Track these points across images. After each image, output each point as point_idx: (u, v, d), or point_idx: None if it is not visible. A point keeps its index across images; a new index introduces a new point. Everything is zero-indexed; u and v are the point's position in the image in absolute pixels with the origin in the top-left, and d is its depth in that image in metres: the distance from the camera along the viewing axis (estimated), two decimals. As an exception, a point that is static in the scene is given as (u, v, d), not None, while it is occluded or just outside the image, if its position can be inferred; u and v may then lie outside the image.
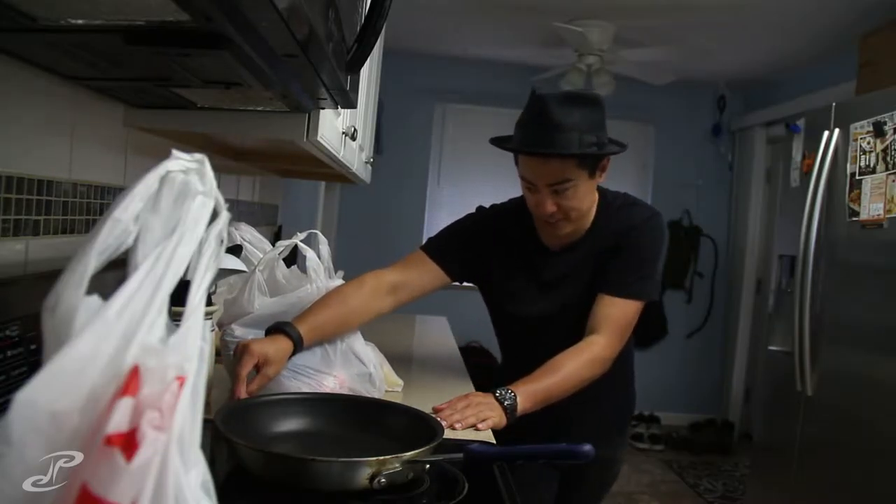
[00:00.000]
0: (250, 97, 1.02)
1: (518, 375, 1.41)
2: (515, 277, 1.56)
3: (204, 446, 0.45)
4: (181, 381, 0.42)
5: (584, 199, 1.43)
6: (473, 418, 1.26)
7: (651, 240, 1.47)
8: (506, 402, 1.29)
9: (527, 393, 1.32)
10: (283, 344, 1.23)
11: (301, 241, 1.34)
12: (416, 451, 0.91)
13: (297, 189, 3.15)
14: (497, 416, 1.28)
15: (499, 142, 1.47)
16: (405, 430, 1.04)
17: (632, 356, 1.65)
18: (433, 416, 1.11)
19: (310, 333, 1.27)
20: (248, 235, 1.70)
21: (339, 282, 1.38)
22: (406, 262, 1.57)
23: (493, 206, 1.66)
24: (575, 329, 1.46)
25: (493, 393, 1.32)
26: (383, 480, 0.87)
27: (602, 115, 1.41)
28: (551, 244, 1.52)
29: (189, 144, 1.41)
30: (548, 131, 1.35)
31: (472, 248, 1.58)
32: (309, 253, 1.32)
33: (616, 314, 1.43)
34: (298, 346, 1.24)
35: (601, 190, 1.51)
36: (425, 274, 1.56)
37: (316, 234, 1.38)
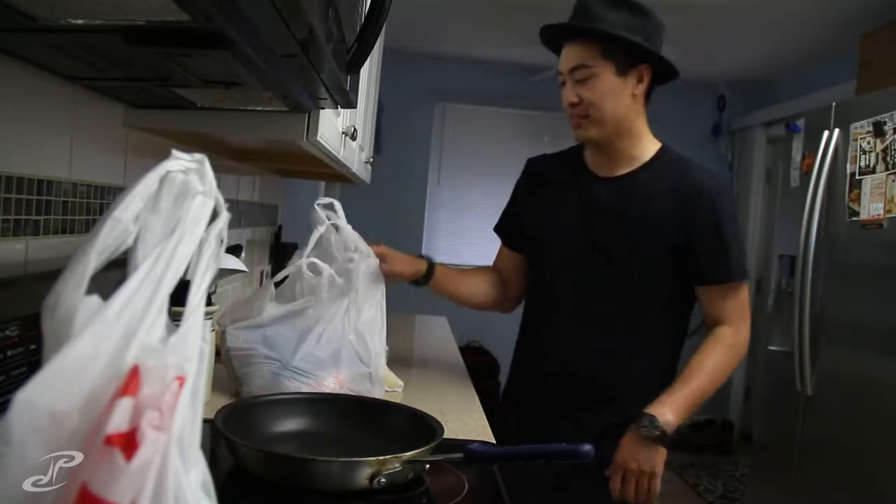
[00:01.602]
0: (250, 97, 1.02)
1: (544, 361, 1.45)
2: (560, 208, 1.48)
3: (204, 446, 0.45)
4: (181, 381, 0.42)
5: (608, 98, 1.35)
6: (649, 490, 1.28)
7: (733, 215, 1.41)
8: (650, 435, 1.26)
9: (666, 407, 1.28)
10: (418, 261, 1.53)
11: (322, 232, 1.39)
12: (416, 451, 0.91)
13: (297, 189, 3.15)
14: (659, 466, 1.27)
15: (542, 39, 1.45)
16: (405, 430, 1.04)
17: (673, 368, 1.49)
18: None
19: (441, 271, 1.55)
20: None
21: (373, 261, 1.39)
22: (497, 253, 1.67)
23: (544, 154, 1.64)
24: (619, 290, 1.40)
25: (638, 431, 1.27)
26: (383, 480, 0.87)
27: (652, 27, 1.36)
28: (600, 171, 1.46)
29: (189, 144, 1.42)
30: (579, 19, 1.36)
31: (521, 211, 1.60)
32: (326, 270, 1.34)
33: (737, 300, 1.39)
34: (430, 271, 1.53)
35: (671, 149, 1.49)
36: (507, 260, 1.64)
37: (332, 202, 1.41)
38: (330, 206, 1.41)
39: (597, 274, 1.43)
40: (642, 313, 1.43)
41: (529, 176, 1.61)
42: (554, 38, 1.42)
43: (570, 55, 1.37)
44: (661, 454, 1.28)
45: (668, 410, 1.28)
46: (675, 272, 1.40)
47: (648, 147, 1.45)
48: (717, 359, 1.36)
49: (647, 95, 1.44)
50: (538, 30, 1.44)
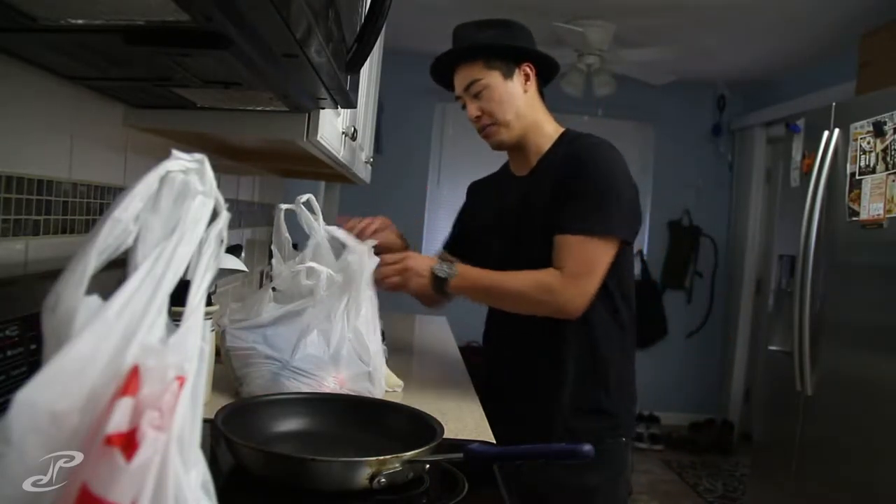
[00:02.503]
0: (250, 97, 1.02)
1: (494, 342, 1.59)
2: (489, 218, 1.62)
3: (204, 446, 0.45)
4: (181, 381, 0.42)
5: (505, 102, 1.48)
6: (397, 283, 1.42)
7: (598, 170, 1.41)
8: (437, 271, 1.41)
9: (465, 271, 1.42)
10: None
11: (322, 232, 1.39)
12: (416, 451, 0.91)
13: (297, 189, 3.15)
14: (412, 283, 1.42)
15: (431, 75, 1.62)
16: (405, 430, 1.04)
17: (623, 359, 1.51)
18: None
19: None
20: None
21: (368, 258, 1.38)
22: None
23: (483, 177, 1.78)
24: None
25: (434, 260, 1.44)
26: (383, 480, 0.87)
27: (522, 35, 1.51)
28: (517, 170, 1.59)
29: (189, 144, 1.42)
30: (455, 46, 1.52)
31: (464, 230, 1.72)
32: (324, 273, 1.33)
33: (572, 252, 1.37)
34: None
35: (572, 130, 1.55)
36: None
37: (309, 197, 1.41)
38: (308, 204, 1.40)
39: (507, 264, 1.48)
40: None
41: (469, 198, 1.78)
42: (444, 72, 1.57)
43: (461, 77, 1.52)
44: (419, 281, 1.43)
45: (461, 275, 1.42)
46: None
47: (551, 135, 1.54)
48: (525, 278, 1.39)
49: (541, 91, 1.57)
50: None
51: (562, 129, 1.56)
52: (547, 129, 1.54)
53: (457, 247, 1.71)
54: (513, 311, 1.46)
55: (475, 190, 1.78)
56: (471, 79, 1.49)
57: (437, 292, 1.43)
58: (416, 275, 1.42)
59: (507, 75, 1.49)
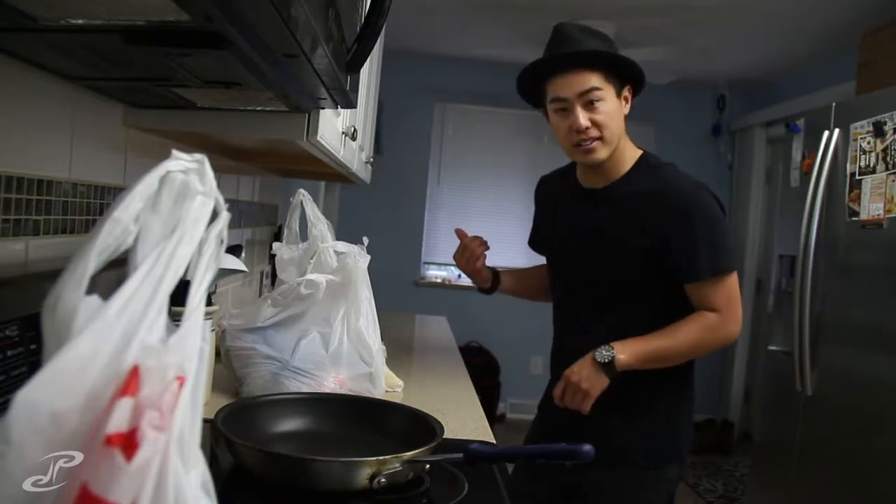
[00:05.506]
0: (250, 97, 1.02)
1: (565, 354, 1.50)
2: (559, 228, 1.60)
3: (204, 446, 0.45)
4: (181, 381, 0.42)
5: (614, 118, 1.42)
6: (578, 405, 1.39)
7: (710, 208, 1.43)
8: (602, 360, 1.36)
9: (627, 347, 1.38)
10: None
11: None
12: (416, 451, 0.91)
13: (296, 189, 3.15)
14: (597, 388, 1.37)
15: (528, 68, 1.51)
16: (405, 430, 1.04)
17: (651, 384, 1.47)
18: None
19: (505, 274, 1.71)
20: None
21: (364, 259, 1.39)
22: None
23: (553, 172, 1.74)
24: (606, 294, 1.48)
25: (593, 355, 1.37)
26: (383, 480, 0.87)
27: (614, 49, 1.46)
28: (587, 182, 1.54)
29: (189, 144, 1.41)
30: (573, 46, 1.42)
31: (539, 224, 1.74)
32: (322, 281, 1.34)
33: (717, 292, 1.42)
34: (496, 280, 1.67)
35: (651, 156, 1.52)
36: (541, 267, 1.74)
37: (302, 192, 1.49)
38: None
39: (580, 283, 1.54)
40: (620, 314, 1.47)
41: (539, 195, 1.74)
42: (540, 72, 1.48)
43: (581, 80, 1.40)
44: (601, 380, 1.38)
45: (626, 350, 1.38)
46: (654, 272, 1.43)
47: (629, 158, 1.50)
48: (689, 330, 1.41)
49: None
50: (545, 30, 1.52)
51: (639, 152, 1.52)
52: (626, 153, 1.49)
53: (538, 247, 1.74)
54: (685, 361, 1.48)
55: (546, 189, 1.72)
56: (590, 85, 1.39)
57: (612, 377, 1.38)
58: (587, 380, 1.37)
59: (619, 93, 1.44)
